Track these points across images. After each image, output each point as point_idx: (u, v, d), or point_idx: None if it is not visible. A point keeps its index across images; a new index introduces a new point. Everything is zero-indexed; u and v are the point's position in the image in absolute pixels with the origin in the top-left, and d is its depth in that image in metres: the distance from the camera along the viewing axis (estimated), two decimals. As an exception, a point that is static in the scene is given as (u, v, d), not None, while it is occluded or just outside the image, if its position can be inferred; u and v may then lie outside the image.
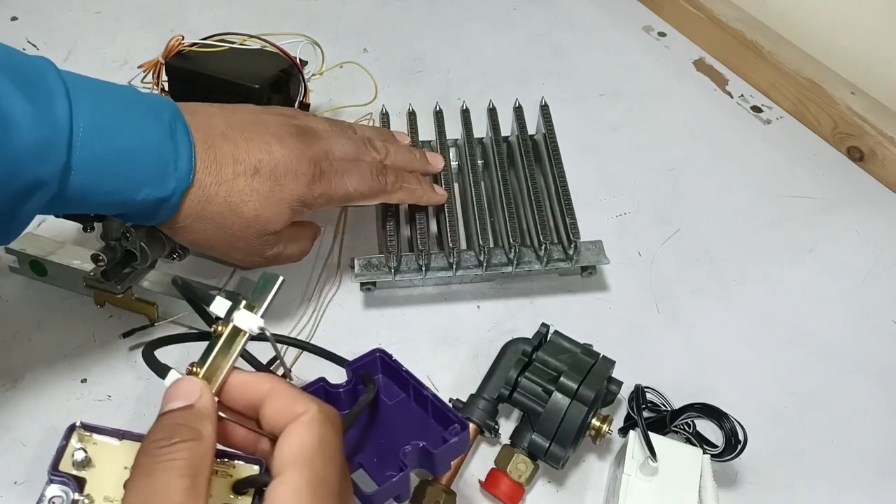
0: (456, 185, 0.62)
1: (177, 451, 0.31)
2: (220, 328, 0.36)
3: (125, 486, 0.31)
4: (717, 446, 0.49)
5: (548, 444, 0.47)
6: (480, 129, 0.65)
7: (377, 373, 0.45)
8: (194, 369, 0.35)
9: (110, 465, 0.35)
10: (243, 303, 0.36)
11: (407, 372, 0.44)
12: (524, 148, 0.61)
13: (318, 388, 0.44)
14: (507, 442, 0.49)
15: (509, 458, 0.47)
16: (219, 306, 0.36)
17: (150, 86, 0.60)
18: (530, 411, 0.48)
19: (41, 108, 0.37)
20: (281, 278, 0.37)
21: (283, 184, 0.47)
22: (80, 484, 0.34)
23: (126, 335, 0.54)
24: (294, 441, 0.32)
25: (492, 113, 0.63)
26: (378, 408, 0.45)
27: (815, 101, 0.71)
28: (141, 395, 0.52)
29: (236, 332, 0.36)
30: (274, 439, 0.33)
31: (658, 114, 0.74)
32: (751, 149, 0.71)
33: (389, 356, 0.45)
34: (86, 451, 0.34)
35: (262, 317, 0.36)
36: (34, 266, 0.55)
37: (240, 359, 0.36)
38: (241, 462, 0.37)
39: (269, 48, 0.60)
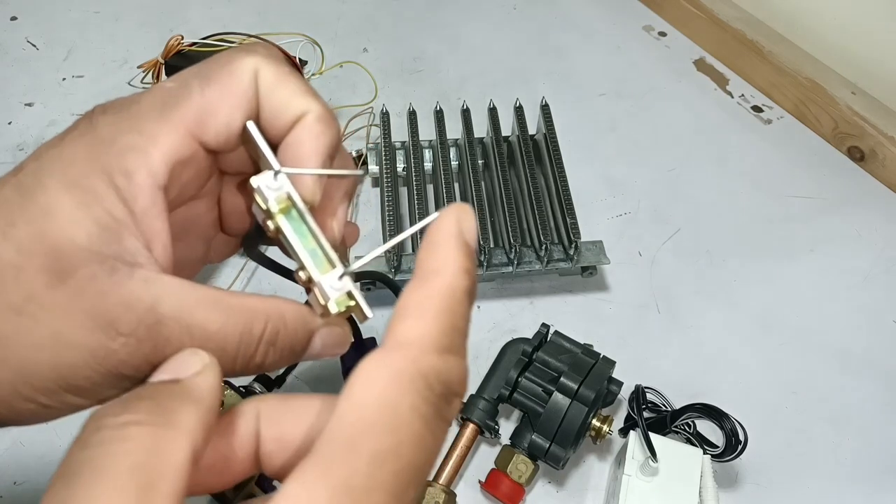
0: (456, 185, 0.62)
1: (123, 438, 0.19)
2: (270, 225, 0.26)
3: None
4: (718, 446, 0.49)
5: (548, 445, 0.47)
6: (481, 129, 0.65)
7: None
8: (300, 273, 0.26)
9: None
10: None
11: None
12: (524, 148, 0.61)
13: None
14: (508, 442, 0.49)
15: (509, 458, 0.47)
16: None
17: (150, 86, 0.60)
18: (530, 412, 0.48)
19: None
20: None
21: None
22: None
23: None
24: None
25: (492, 113, 0.63)
26: None
27: (816, 101, 0.71)
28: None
29: (283, 206, 0.26)
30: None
31: (658, 114, 0.74)
32: (751, 149, 0.71)
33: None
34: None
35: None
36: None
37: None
38: None
39: (269, 48, 0.60)
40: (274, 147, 0.27)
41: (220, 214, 0.31)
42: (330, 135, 0.27)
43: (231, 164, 0.29)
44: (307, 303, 0.27)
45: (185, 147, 0.25)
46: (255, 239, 0.30)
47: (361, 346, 0.49)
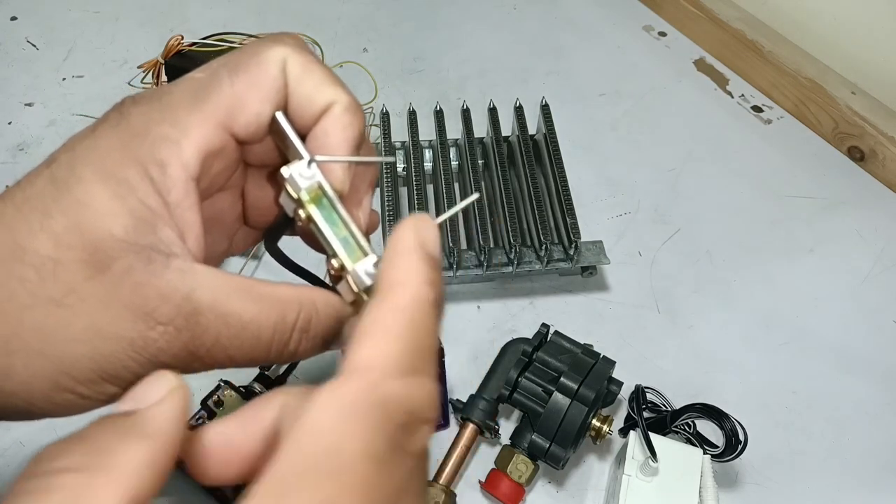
0: (456, 185, 0.62)
1: (50, 489, 0.17)
2: (301, 213, 0.26)
3: None
4: (718, 446, 0.49)
5: (548, 445, 0.47)
6: (481, 129, 0.65)
7: None
8: (332, 261, 0.26)
9: (231, 408, 0.47)
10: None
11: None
12: (524, 148, 0.61)
13: None
14: (508, 442, 0.49)
15: (509, 458, 0.47)
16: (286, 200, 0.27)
17: (149, 86, 0.60)
18: (530, 412, 0.48)
19: None
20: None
21: None
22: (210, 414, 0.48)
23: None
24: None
25: (492, 113, 0.63)
26: None
27: (816, 101, 0.71)
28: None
29: (314, 195, 0.26)
30: None
31: (658, 114, 0.74)
32: (751, 149, 0.71)
33: None
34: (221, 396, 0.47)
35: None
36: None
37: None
38: None
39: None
40: (301, 137, 0.27)
41: (243, 207, 0.31)
42: (357, 125, 0.27)
43: (256, 156, 0.29)
44: (335, 290, 0.27)
45: (216, 138, 0.25)
46: (278, 231, 0.30)
47: None
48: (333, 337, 0.27)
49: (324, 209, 0.26)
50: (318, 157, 0.26)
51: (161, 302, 0.22)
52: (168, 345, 0.23)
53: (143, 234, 0.23)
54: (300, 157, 0.26)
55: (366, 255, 0.26)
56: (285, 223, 0.28)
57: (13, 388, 0.22)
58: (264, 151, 0.29)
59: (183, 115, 0.25)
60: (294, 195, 0.26)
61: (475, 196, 0.26)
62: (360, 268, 0.25)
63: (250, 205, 0.31)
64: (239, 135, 0.26)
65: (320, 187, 0.26)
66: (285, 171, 0.26)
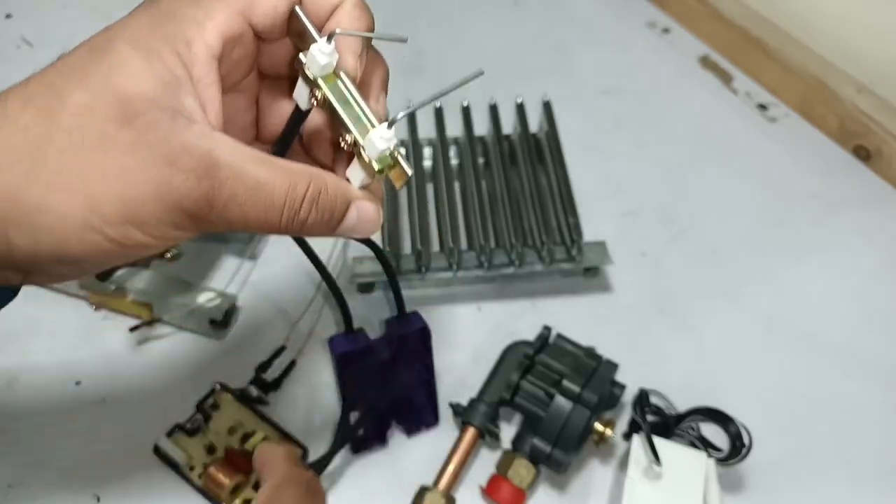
0: (457, 184, 0.61)
1: None
2: (318, 95, 0.29)
3: None
4: (722, 450, 0.48)
5: (550, 449, 0.46)
6: (482, 127, 0.64)
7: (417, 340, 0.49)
8: (346, 137, 0.29)
9: (226, 411, 0.50)
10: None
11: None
12: (526, 146, 0.61)
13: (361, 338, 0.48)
14: (509, 447, 0.49)
15: (510, 463, 0.47)
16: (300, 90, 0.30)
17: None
18: (532, 415, 0.47)
19: None
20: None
21: None
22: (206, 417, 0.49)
23: (133, 329, 0.53)
24: None
25: (493, 110, 0.63)
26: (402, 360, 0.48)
27: (822, 100, 0.71)
28: (135, 399, 0.51)
29: (329, 78, 0.29)
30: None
31: (662, 111, 0.73)
32: (756, 147, 0.70)
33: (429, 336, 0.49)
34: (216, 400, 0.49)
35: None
36: (28, 266, 0.54)
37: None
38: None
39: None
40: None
41: (257, 119, 0.33)
42: (367, 19, 0.30)
43: (270, 63, 0.31)
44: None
45: (236, 24, 0.28)
46: (289, 135, 0.32)
47: (405, 319, 0.49)
48: (341, 218, 0.29)
49: (337, 91, 0.29)
50: (337, 30, 0.28)
51: (184, 152, 0.25)
52: (189, 192, 0.25)
53: (169, 97, 0.26)
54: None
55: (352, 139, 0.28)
56: (297, 122, 0.31)
57: (51, 224, 0.25)
58: (277, 60, 0.31)
59: (207, 1, 0.28)
60: (311, 76, 0.28)
61: (479, 72, 0.30)
62: (376, 133, 0.28)
63: (263, 116, 0.33)
64: (257, 25, 0.29)
65: (335, 72, 0.28)
66: (303, 55, 0.28)
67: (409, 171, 0.29)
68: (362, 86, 0.30)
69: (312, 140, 0.32)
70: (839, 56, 0.72)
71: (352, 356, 0.47)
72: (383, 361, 0.48)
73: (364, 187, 0.30)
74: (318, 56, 0.28)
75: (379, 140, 0.27)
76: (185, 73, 0.27)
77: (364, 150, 0.28)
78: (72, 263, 0.27)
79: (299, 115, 0.31)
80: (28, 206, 0.25)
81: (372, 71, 0.31)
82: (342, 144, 0.29)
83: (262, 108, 0.33)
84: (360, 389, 0.48)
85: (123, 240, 0.26)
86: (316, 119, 0.32)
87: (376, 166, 0.28)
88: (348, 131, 0.28)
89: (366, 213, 0.29)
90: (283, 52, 0.31)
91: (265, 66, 0.32)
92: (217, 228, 0.27)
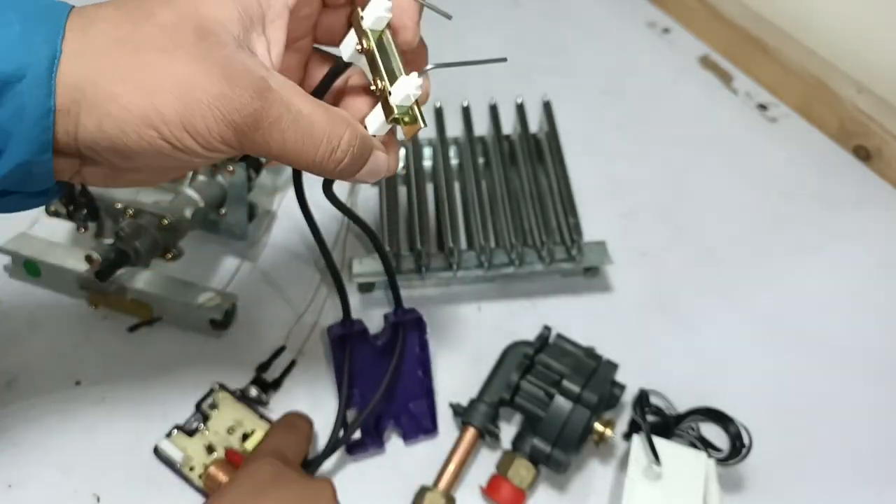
0: (457, 184, 0.61)
1: None
2: (364, 44, 0.32)
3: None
4: (722, 450, 0.48)
5: (550, 449, 0.46)
6: (482, 127, 0.64)
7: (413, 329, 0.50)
8: (378, 83, 0.32)
9: (226, 411, 0.50)
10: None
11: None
12: (526, 146, 0.61)
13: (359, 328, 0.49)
14: (509, 447, 0.49)
15: (510, 463, 0.47)
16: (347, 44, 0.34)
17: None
18: (532, 415, 0.47)
19: None
20: None
21: None
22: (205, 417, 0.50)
23: (133, 329, 0.53)
24: None
25: (493, 110, 0.63)
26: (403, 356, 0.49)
27: (822, 99, 0.71)
28: (135, 398, 0.51)
29: (377, 35, 0.33)
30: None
31: (662, 111, 0.73)
32: (756, 147, 0.70)
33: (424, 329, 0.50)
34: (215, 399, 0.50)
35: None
36: (28, 267, 0.54)
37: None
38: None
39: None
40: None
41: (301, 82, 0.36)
42: None
43: (325, 32, 0.35)
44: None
45: None
46: (319, 95, 0.35)
47: (401, 311, 0.49)
48: (364, 162, 0.32)
49: (381, 45, 0.32)
50: None
51: (244, 72, 0.28)
52: (242, 107, 0.28)
53: (241, 29, 0.30)
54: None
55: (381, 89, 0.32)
56: (333, 77, 0.35)
57: (116, 112, 0.28)
58: (332, 32, 0.35)
59: None
60: (365, 27, 0.32)
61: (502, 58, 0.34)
62: (405, 80, 0.31)
63: (307, 80, 0.37)
64: None
65: (383, 35, 0.32)
66: (361, 8, 0.32)
67: (423, 125, 0.32)
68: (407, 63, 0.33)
69: (339, 100, 0.35)
70: (839, 56, 0.72)
71: (347, 338, 0.48)
72: (379, 349, 0.49)
73: (376, 138, 0.33)
74: (377, 8, 0.31)
75: (407, 84, 0.31)
76: (260, 13, 0.31)
77: (391, 94, 0.31)
78: (125, 156, 0.29)
79: (336, 70, 0.35)
80: (102, 93, 0.28)
81: (420, 52, 0.35)
82: (372, 88, 0.32)
83: (309, 72, 0.37)
84: (356, 379, 0.49)
85: (175, 141, 0.29)
86: (349, 79, 0.35)
87: (396, 111, 0.31)
88: (382, 78, 0.32)
89: (376, 164, 0.33)
90: (338, 27, 0.35)
91: (320, 33, 0.35)
92: (257, 151, 0.30)
